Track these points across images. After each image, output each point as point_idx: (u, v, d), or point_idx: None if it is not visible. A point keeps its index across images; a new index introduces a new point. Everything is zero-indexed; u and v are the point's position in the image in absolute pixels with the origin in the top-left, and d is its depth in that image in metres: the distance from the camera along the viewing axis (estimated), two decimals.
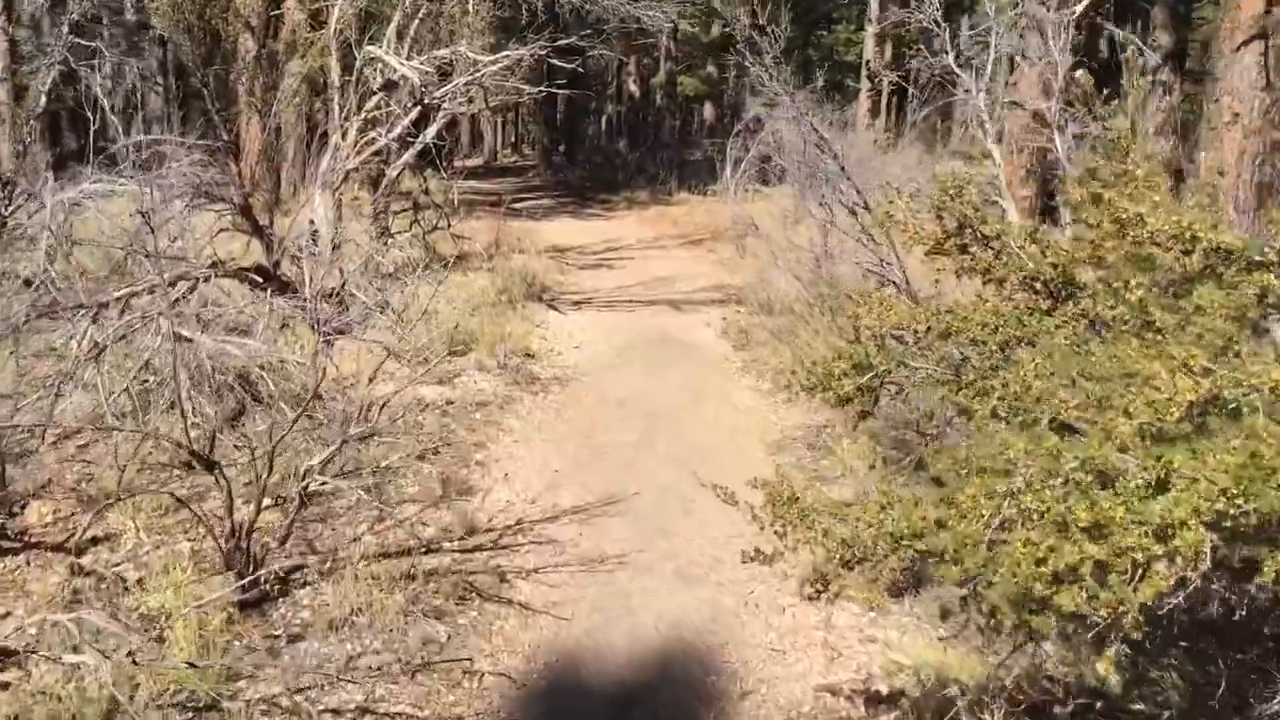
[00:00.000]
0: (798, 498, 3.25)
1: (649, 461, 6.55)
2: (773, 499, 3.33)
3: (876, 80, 35.42)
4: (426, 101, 8.83)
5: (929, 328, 3.39)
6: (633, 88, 36.33)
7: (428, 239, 12.68)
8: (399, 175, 12.26)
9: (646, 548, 5.35)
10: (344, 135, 8.61)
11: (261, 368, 7.20)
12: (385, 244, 11.95)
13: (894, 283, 4.87)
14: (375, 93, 8.56)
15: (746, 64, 43.88)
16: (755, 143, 21.57)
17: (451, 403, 7.43)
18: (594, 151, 32.11)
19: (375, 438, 6.02)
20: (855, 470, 5.97)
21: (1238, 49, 10.90)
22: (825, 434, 6.91)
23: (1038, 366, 3.04)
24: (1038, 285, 3.31)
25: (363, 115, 8.56)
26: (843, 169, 4.89)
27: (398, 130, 8.61)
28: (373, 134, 8.66)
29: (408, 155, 12.11)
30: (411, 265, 11.75)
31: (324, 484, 4.91)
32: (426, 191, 12.88)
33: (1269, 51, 10.89)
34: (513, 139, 53.67)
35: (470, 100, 12.10)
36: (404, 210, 13.30)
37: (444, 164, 30.11)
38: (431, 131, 12.33)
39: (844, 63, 44.40)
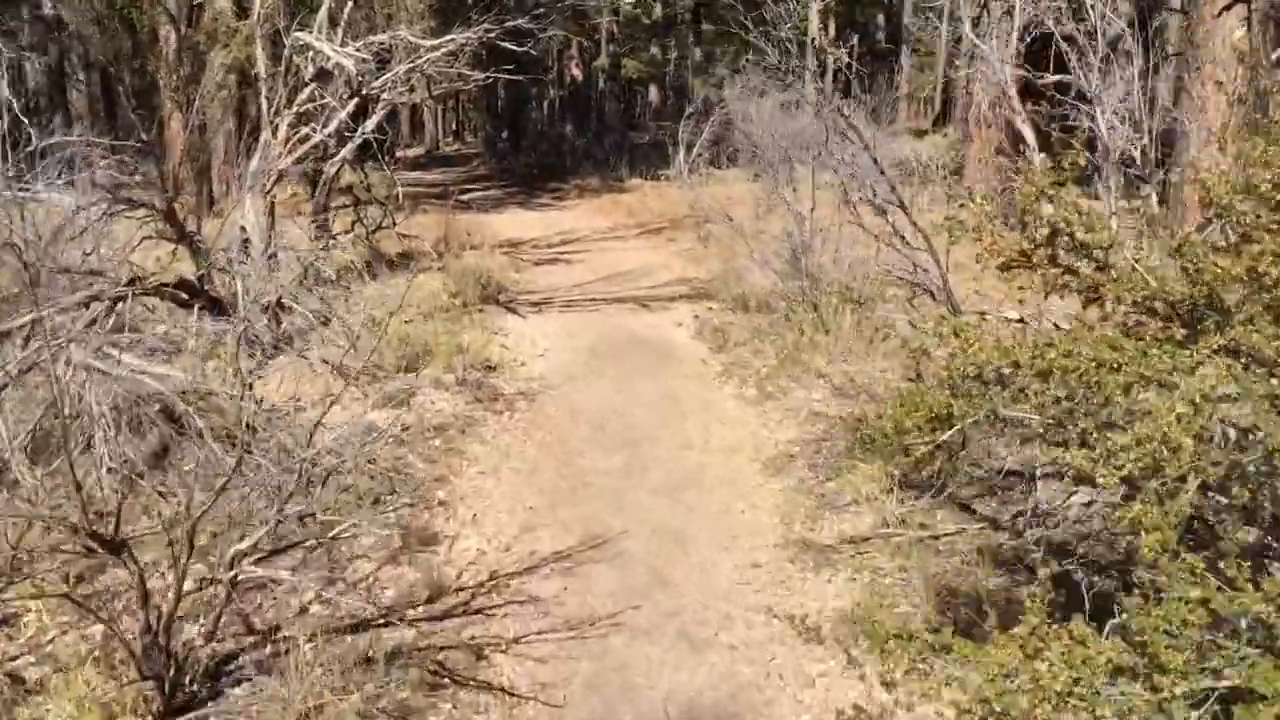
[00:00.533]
0: (911, 635, 2.45)
1: (634, 491, 5.78)
2: (876, 640, 2.55)
3: (822, 58, 34.77)
4: (365, 92, 7.94)
5: (1020, 362, 2.64)
6: (575, 71, 35.38)
7: (372, 239, 11.79)
8: (338, 171, 11.35)
9: (642, 601, 4.58)
10: (274, 131, 7.70)
11: (188, 398, 6.33)
12: (326, 247, 11.04)
13: (930, 291, 4.16)
14: (308, 84, 7.66)
15: (689, 44, 42.05)
16: (708, 125, 20.81)
17: (407, 428, 6.60)
18: (539, 138, 31.13)
19: (326, 481, 5.19)
20: (870, 497, 5.24)
21: (1219, 13, 10.31)
22: (825, 449, 6.19)
23: (1181, 418, 2.30)
24: (1159, 307, 2.58)
25: (295, 109, 7.66)
26: (875, 161, 4.17)
27: (334, 124, 7.72)
28: (307, 129, 7.75)
29: (347, 149, 11.19)
30: (355, 269, 10.88)
31: (257, 570, 4.06)
32: (368, 188, 11.97)
33: (1252, 15, 10.33)
34: (454, 127, 52.42)
35: (411, 89, 11.20)
36: (345, 207, 12.40)
37: (386, 156, 28.92)
38: (372, 123, 11.41)
39: (788, 41, 43.76)
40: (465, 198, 20.89)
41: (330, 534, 4.69)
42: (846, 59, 30.83)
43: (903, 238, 4.50)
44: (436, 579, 4.72)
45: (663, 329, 9.16)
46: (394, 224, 12.04)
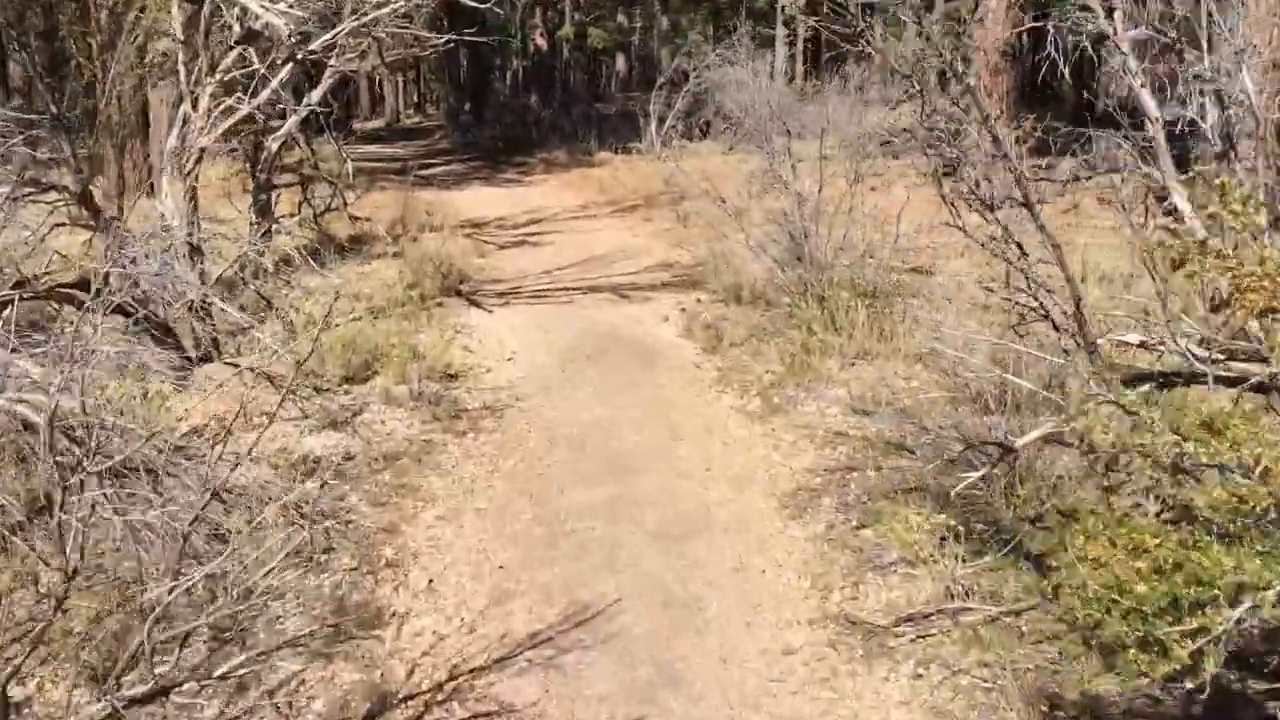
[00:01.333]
0: None
1: (627, 539, 4.67)
2: None
3: (792, 26, 33.70)
4: (301, 56, 6.71)
5: None
6: (539, 40, 33.95)
7: (320, 222, 10.56)
8: (281, 147, 10.10)
9: (647, 710, 3.50)
10: (194, 103, 6.47)
11: (79, 427, 5.15)
12: (266, 233, 9.81)
13: (1053, 322, 3.07)
14: (234, 46, 6.43)
15: (656, 12, 40.50)
16: (681, 96, 19.61)
17: (351, 457, 5.45)
18: (503, 110, 29.73)
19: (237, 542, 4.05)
20: (923, 554, 4.15)
21: None
22: (854, 482, 5.11)
23: None
24: None
25: (219, 77, 6.42)
26: (997, 140, 3.11)
27: (265, 94, 6.50)
28: (233, 100, 6.53)
29: (291, 122, 9.95)
30: (301, 256, 9.66)
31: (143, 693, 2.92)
32: (316, 165, 10.72)
33: None
34: (416, 99, 50.70)
35: (362, 55, 9.95)
36: (291, 186, 11.17)
37: (341, 129, 27.50)
38: (318, 93, 10.18)
39: (757, 9, 42.53)
40: (426, 173, 19.60)
41: (240, 627, 3.56)
42: (816, 27, 29.52)
43: (1019, 246, 3.39)
44: (380, 682, 3.61)
45: (647, 324, 8.04)
46: (345, 205, 10.82)
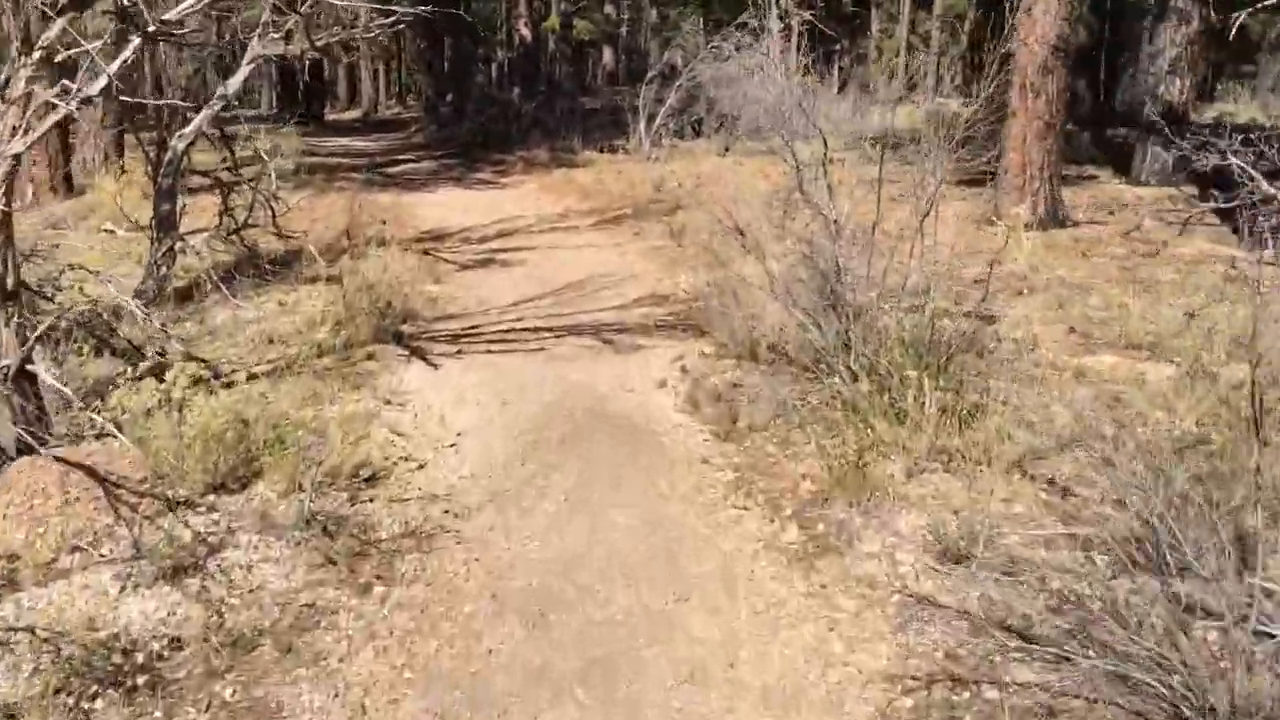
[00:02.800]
0: None
1: None
2: None
3: (787, 19, 31.66)
4: (152, 29, 4.68)
5: None
6: (524, 31, 31.77)
7: (244, 236, 8.52)
8: (190, 148, 8.06)
9: None
10: (2, 93, 4.45)
11: None
12: (170, 252, 7.79)
13: None
14: (57, 15, 4.41)
15: (644, 3, 38.15)
16: (673, 91, 17.56)
17: (181, 646, 3.46)
18: (484, 103, 27.60)
19: None
20: None
21: None
22: (968, 711, 3.16)
23: None
24: None
25: (36, 56, 4.40)
26: None
27: (101, 83, 4.47)
28: (56, 90, 4.49)
29: (201, 118, 7.93)
30: (210, 282, 7.65)
31: None
32: (236, 168, 8.67)
33: None
34: (397, 89, 48.41)
35: (288, 36, 7.92)
36: (213, 189, 9.15)
37: (307, 121, 25.47)
38: (236, 81, 8.15)
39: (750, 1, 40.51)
40: (393, 171, 17.54)
41: None
42: (811, 20, 27.58)
43: None
44: None
45: (638, 390, 6.04)
46: (273, 216, 8.78)
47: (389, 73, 50.52)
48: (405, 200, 13.58)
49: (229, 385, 5.58)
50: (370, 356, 6.36)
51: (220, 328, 7.09)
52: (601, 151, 18.77)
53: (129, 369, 5.23)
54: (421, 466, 4.91)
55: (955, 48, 38.08)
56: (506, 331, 7.28)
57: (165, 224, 7.78)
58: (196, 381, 5.60)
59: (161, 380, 5.14)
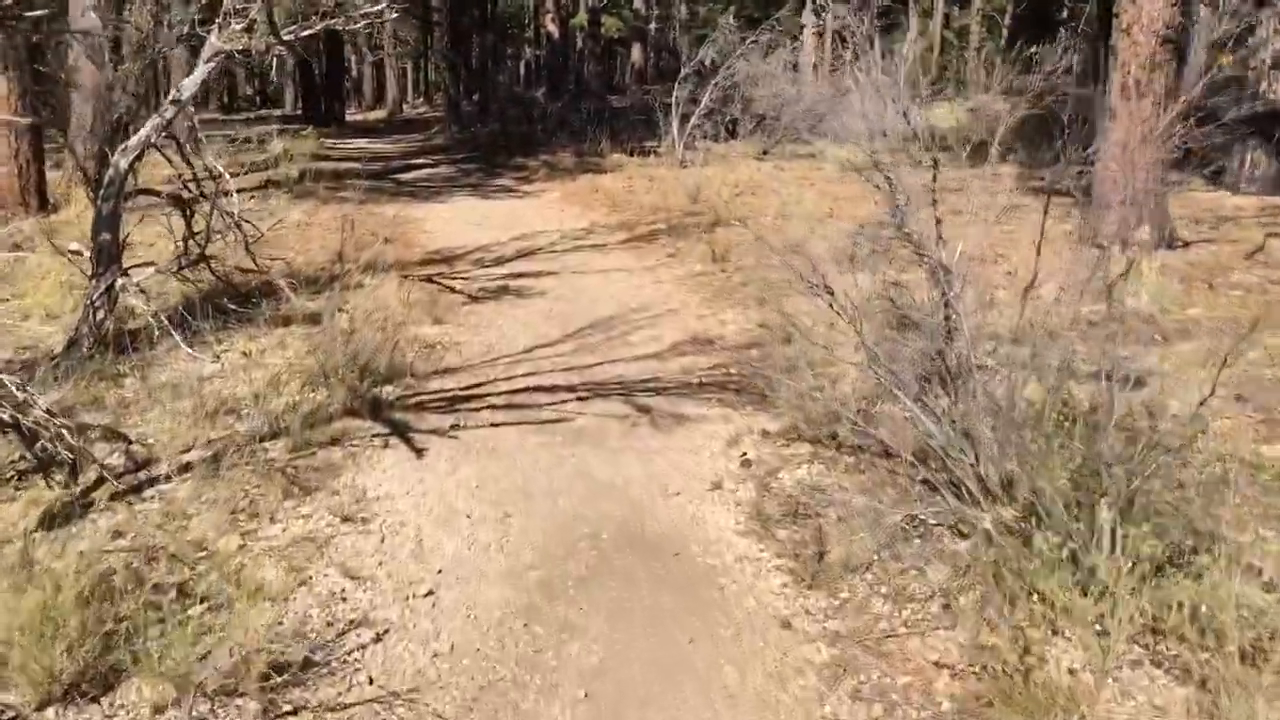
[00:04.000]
0: None
1: None
2: None
3: (823, 14, 29.99)
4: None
5: None
6: (551, 27, 30.23)
7: (209, 265, 7.01)
8: (136, 162, 6.55)
9: None
10: None
11: None
12: (103, 295, 6.30)
13: None
14: None
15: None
16: (708, 91, 15.94)
17: None
18: (509, 102, 26.08)
19: None
20: None
21: None
22: None
23: None
24: None
25: None
26: None
27: None
28: None
29: (150, 127, 6.43)
30: (157, 327, 6.15)
31: None
32: (198, 185, 7.15)
33: None
34: (424, 87, 47.00)
35: (250, 28, 6.38)
36: (170, 209, 7.65)
37: (324, 122, 24.04)
38: (192, 83, 6.62)
39: None
40: (406, 177, 16.03)
41: None
42: (848, 15, 25.80)
43: None
44: None
45: (685, 495, 4.44)
46: (245, 241, 7.26)
47: (417, 71, 49.17)
48: (415, 213, 12.06)
49: (137, 489, 4.09)
50: (335, 441, 4.80)
51: (165, 387, 5.57)
52: (631, 155, 17.20)
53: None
54: (380, 637, 3.34)
55: (991, 42, 36.21)
56: (516, 392, 5.71)
57: (105, 256, 6.27)
58: (96, 485, 4.11)
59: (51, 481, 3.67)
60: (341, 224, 8.97)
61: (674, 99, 16.34)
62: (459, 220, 11.58)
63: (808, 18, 29.53)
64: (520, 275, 8.74)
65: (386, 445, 4.84)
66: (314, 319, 6.62)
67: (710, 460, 4.71)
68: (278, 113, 36.60)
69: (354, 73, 44.34)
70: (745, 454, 4.72)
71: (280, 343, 6.41)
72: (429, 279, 8.36)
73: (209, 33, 6.43)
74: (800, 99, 17.44)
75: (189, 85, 6.46)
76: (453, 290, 8.12)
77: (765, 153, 17.07)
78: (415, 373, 5.96)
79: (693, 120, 16.19)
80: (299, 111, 31.95)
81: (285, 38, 6.19)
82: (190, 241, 6.75)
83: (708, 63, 19.25)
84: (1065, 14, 36.03)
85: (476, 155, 19.12)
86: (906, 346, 4.59)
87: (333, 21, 6.73)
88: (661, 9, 41.51)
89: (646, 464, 4.70)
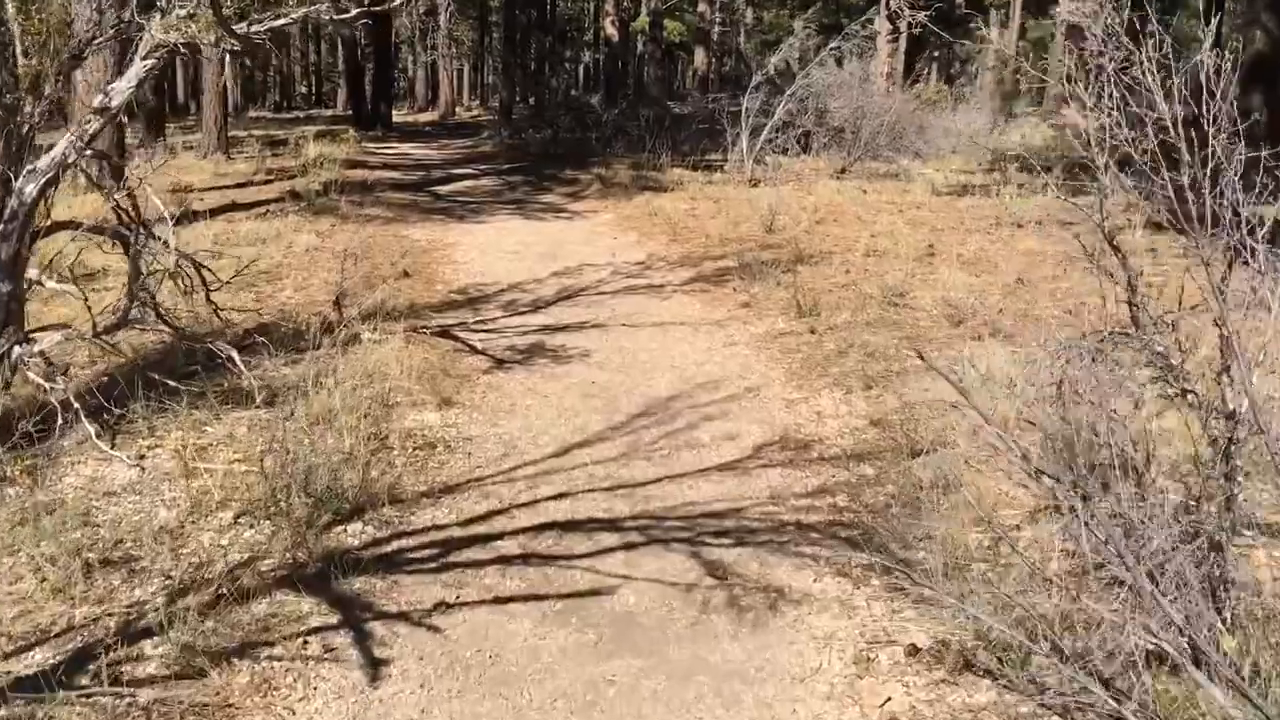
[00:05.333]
0: None
1: None
2: None
3: (898, 21, 27.92)
4: None
5: None
6: (611, 30, 28.53)
7: (164, 313, 5.35)
8: (48, 190, 4.91)
9: None
10: None
11: None
12: (4, 357, 4.67)
13: None
14: None
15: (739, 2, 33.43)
16: (782, 102, 14.17)
17: None
18: (563, 108, 24.40)
19: None
20: None
21: None
22: None
23: None
24: None
25: None
26: None
27: None
28: None
29: (64, 144, 4.81)
30: (64, 415, 4.47)
31: None
32: (129, 216, 5.43)
33: None
34: (479, 90, 45.58)
35: (191, 17, 4.70)
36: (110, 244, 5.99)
37: (372, 125, 22.15)
38: (124, 86, 4.95)
39: (852, 2, 36.77)
40: (446, 189, 14.38)
41: None
42: (923, 24, 23.65)
43: None
44: None
45: None
46: (206, 292, 5.59)
47: (475, 72, 47.81)
48: (447, 236, 10.39)
49: None
50: (247, 647, 3.06)
51: (53, 507, 3.90)
52: (693, 169, 15.42)
53: None
54: None
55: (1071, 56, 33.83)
56: (539, 531, 3.95)
57: (1, 316, 4.63)
58: None
59: None
60: (343, 259, 7.29)
61: (743, 109, 14.52)
62: (495, 247, 9.88)
63: (882, 24, 27.52)
64: (559, 328, 7.00)
65: (327, 654, 3.09)
66: (263, 407, 4.93)
67: (832, 704, 2.91)
68: (329, 112, 35.32)
69: (410, 73, 43.06)
70: (887, 700, 2.91)
71: (230, 434, 4.72)
72: (445, 332, 6.64)
73: (148, 21, 4.76)
74: (886, 111, 15.51)
75: (121, 89, 4.80)
76: (472, 349, 6.40)
77: (843, 171, 15.18)
78: (400, 495, 4.22)
79: (764, 134, 14.35)
80: (349, 112, 30.59)
81: (239, 31, 4.50)
82: (140, 286, 5.09)
83: (780, 70, 17.41)
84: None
85: (525, 165, 17.46)
86: (1146, 522, 2.79)
87: (282, 22, 5.02)
88: (725, 13, 39.67)
89: (732, 709, 2.90)
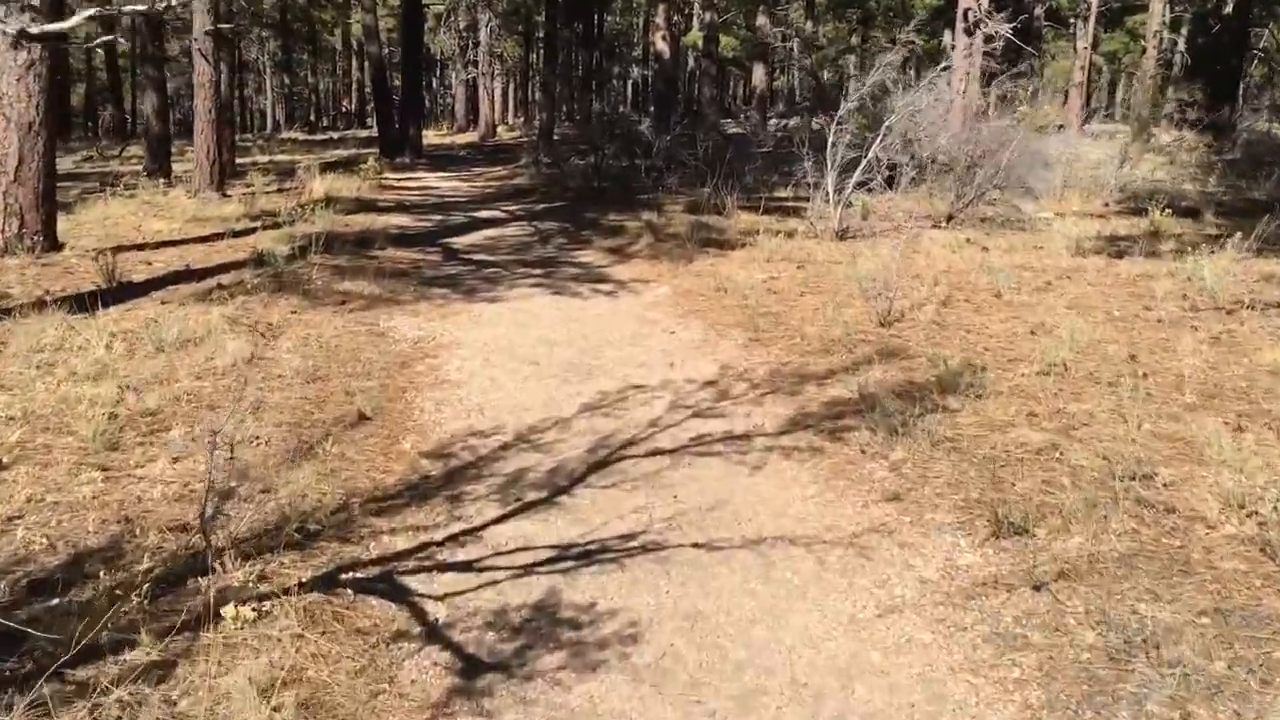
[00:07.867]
0: None
1: None
2: None
3: (975, 33, 24.50)
4: None
5: None
6: (661, 45, 25.45)
7: None
8: None
9: None
10: None
11: None
12: None
13: None
14: None
15: (801, 16, 29.24)
16: (878, 138, 11.23)
17: None
18: (608, 130, 21.35)
19: None
20: None
21: None
22: None
23: None
24: None
25: None
26: None
27: None
28: None
29: None
30: None
31: None
32: None
33: None
34: (523, 109, 42.78)
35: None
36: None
37: (397, 150, 19.42)
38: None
39: (912, 10, 33.49)
40: (461, 242, 11.42)
41: None
42: (1005, 36, 20.64)
43: None
44: None
45: None
46: None
47: (521, 89, 45.10)
48: (444, 332, 7.42)
49: None
50: None
51: None
52: (764, 212, 12.35)
53: None
54: None
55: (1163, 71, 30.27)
56: None
57: None
58: None
59: None
60: (242, 409, 4.34)
61: (829, 143, 11.42)
62: (509, 350, 6.90)
63: (958, 38, 24.22)
64: (585, 555, 3.98)
65: None
66: None
67: None
68: (364, 133, 32.72)
69: (451, 90, 40.41)
70: None
71: None
72: (384, 585, 3.65)
73: None
74: (1005, 142, 12.33)
75: None
76: (426, 633, 3.39)
77: (950, 218, 12.03)
78: None
79: (857, 173, 11.24)
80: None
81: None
82: None
83: (855, 93, 14.28)
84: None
85: (563, 206, 14.51)
86: None
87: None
88: (783, 27, 36.51)
89: None
